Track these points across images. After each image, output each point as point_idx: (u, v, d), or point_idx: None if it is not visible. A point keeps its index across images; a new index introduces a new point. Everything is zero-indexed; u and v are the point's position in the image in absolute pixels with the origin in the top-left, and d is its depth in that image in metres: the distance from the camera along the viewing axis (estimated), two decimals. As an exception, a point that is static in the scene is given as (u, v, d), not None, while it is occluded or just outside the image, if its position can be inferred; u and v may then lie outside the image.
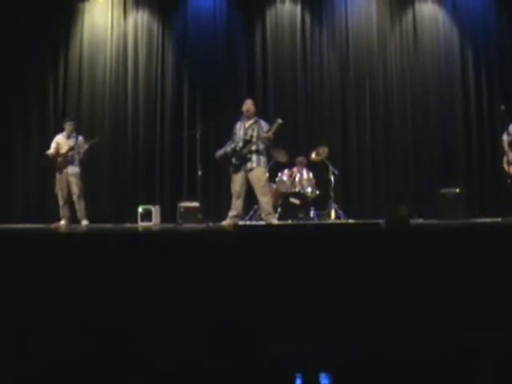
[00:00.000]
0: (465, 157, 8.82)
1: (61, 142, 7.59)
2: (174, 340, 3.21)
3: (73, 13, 9.41)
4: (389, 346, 3.08)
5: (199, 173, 6.93)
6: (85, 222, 7.44)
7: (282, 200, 7.59)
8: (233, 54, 9.24)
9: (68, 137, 7.59)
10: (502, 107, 7.10)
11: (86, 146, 7.53)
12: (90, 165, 8.03)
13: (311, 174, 8.06)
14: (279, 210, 7.44)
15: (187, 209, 7.85)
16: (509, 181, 6.77)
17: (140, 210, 8.18)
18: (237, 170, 6.31)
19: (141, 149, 9.16)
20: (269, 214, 6.29)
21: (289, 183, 7.92)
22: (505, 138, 6.99)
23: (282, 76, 9.17)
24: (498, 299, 3.21)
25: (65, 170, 7.42)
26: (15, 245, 3.73)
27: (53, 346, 3.18)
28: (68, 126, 7.63)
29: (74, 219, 7.49)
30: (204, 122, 8.64)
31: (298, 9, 9.28)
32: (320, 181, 8.12)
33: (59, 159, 7.47)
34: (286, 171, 8.03)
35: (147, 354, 3.07)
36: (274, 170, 7.93)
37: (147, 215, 8.14)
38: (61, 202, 7.49)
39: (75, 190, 7.45)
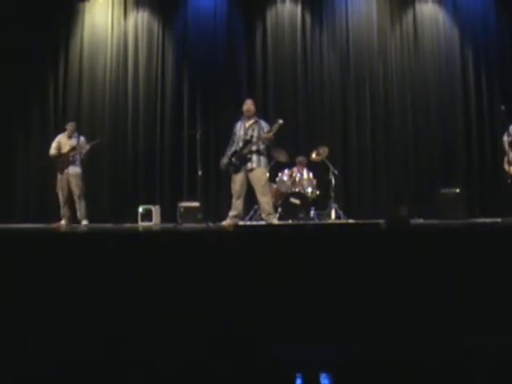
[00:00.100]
0: (465, 157, 8.82)
1: (62, 141, 7.59)
2: (173, 340, 3.20)
3: (73, 13, 9.41)
4: (389, 346, 3.08)
5: (199, 173, 6.93)
6: (85, 222, 7.44)
7: (283, 200, 7.59)
8: (233, 54, 9.24)
9: (69, 137, 7.59)
10: (503, 107, 7.10)
11: (87, 147, 7.53)
12: (90, 165, 8.04)
13: (311, 174, 8.06)
14: (279, 210, 7.44)
15: (187, 209, 7.85)
16: (509, 181, 6.77)
17: (140, 209, 8.18)
18: (237, 170, 6.31)
19: (141, 149, 9.16)
20: (269, 214, 6.29)
21: (289, 183, 7.91)
22: (505, 138, 6.99)
23: (282, 76, 9.17)
24: (498, 299, 3.21)
25: (66, 171, 7.42)
26: (15, 245, 3.73)
27: (53, 345, 3.18)
28: (69, 126, 7.64)
29: (74, 219, 7.49)
30: (204, 122, 8.65)
31: (299, 9, 9.28)
32: (320, 181, 8.12)
33: (60, 159, 7.47)
34: (286, 171, 8.03)
35: (147, 354, 3.07)
36: (274, 170, 7.93)
37: (147, 215, 8.14)
38: (61, 202, 7.49)
39: (76, 190, 7.45)
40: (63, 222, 7.43)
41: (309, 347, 3.15)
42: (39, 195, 8.95)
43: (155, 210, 8.23)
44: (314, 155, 8.10)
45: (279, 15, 9.31)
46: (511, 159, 6.70)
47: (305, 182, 7.93)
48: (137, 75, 9.29)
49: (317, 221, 7.67)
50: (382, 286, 3.32)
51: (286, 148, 7.89)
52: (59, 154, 7.49)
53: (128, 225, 7.63)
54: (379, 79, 9.09)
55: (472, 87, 8.96)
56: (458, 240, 3.51)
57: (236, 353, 3.14)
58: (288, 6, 9.30)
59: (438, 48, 9.07)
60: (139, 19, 9.42)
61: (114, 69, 9.33)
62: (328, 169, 8.06)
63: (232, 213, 6.36)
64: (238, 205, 6.33)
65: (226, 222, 6.45)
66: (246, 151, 6.28)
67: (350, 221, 7.63)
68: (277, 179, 7.99)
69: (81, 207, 7.48)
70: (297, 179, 7.94)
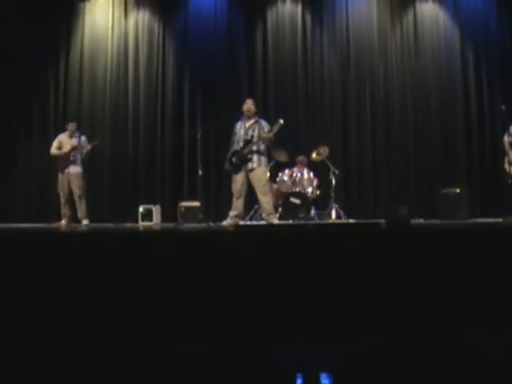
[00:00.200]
0: (465, 157, 8.81)
1: (63, 140, 7.59)
2: (173, 340, 3.20)
3: (73, 12, 9.41)
4: (389, 346, 3.08)
5: (200, 172, 6.94)
6: (85, 222, 7.44)
7: (283, 200, 7.59)
8: (233, 54, 9.24)
9: (71, 136, 7.59)
10: (503, 107, 7.11)
11: (88, 147, 7.53)
12: (90, 164, 8.03)
13: (312, 174, 8.05)
14: (280, 209, 7.44)
15: (188, 208, 7.85)
16: (509, 181, 6.78)
17: (141, 209, 8.18)
18: (238, 169, 6.31)
19: (141, 148, 9.16)
20: (269, 213, 6.29)
21: (289, 183, 7.91)
22: (506, 138, 7.01)
23: (282, 76, 9.16)
24: (498, 299, 3.21)
25: (66, 170, 7.42)
26: (15, 245, 3.72)
27: (53, 345, 3.18)
28: (70, 126, 7.63)
29: (74, 219, 7.49)
30: (204, 122, 8.65)
31: (299, 9, 9.28)
32: (321, 181, 8.11)
33: (61, 159, 7.47)
34: (286, 171, 8.02)
35: (147, 354, 3.07)
36: (274, 169, 7.94)
37: (148, 215, 8.14)
38: (62, 202, 7.49)
39: (76, 189, 7.44)
40: (64, 221, 7.43)
41: (309, 347, 3.14)
42: (39, 195, 8.95)
43: (156, 210, 8.23)
44: (314, 155, 8.10)
45: (280, 15, 9.31)
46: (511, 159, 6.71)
47: (305, 182, 7.93)
48: (137, 75, 9.28)
49: (317, 221, 7.67)
50: (382, 286, 3.32)
51: (286, 148, 7.89)
52: (59, 154, 7.49)
53: (128, 224, 7.64)
54: (379, 79, 9.08)
55: (472, 87, 8.96)
56: (458, 240, 3.51)
57: (236, 353, 3.13)
58: (288, 5, 9.30)
59: (438, 48, 9.06)
60: (140, 19, 9.42)
61: (114, 69, 9.33)
62: (328, 169, 8.06)
63: (232, 212, 6.36)
64: (238, 204, 6.34)
65: (226, 222, 6.46)
66: (246, 151, 6.28)
67: (351, 221, 7.63)
68: (277, 179, 7.99)
69: (81, 207, 7.48)
70: (297, 179, 7.93)
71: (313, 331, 3.24)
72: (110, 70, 9.32)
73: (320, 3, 9.31)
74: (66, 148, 7.50)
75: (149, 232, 5.22)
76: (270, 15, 9.33)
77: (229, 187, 6.61)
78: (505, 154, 7.05)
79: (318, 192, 7.97)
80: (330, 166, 8.04)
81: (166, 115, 9.23)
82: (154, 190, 9.01)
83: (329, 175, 8.05)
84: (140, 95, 9.24)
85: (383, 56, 9.11)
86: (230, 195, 6.53)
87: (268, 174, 6.67)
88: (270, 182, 6.98)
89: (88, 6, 9.46)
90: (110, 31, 9.37)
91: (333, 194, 7.96)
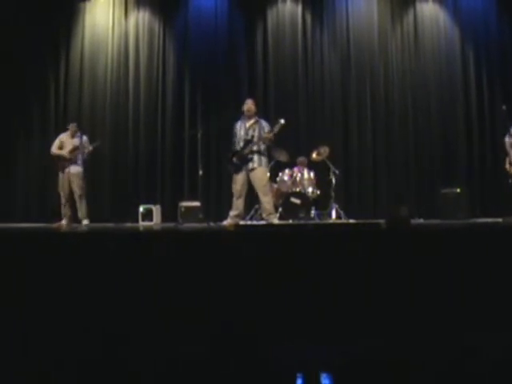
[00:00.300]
0: (466, 157, 8.81)
1: (65, 140, 7.58)
2: (173, 340, 3.20)
3: (74, 12, 9.41)
4: (389, 346, 3.08)
5: (200, 172, 6.94)
6: (86, 222, 7.43)
7: (283, 200, 7.59)
8: (234, 54, 9.24)
9: (72, 136, 7.58)
10: (504, 107, 7.11)
11: (90, 147, 7.52)
12: (91, 164, 8.03)
13: (312, 174, 8.05)
14: (280, 209, 7.44)
15: (188, 208, 7.85)
16: (510, 181, 6.78)
17: (141, 209, 8.19)
18: (238, 169, 6.32)
19: (142, 148, 9.16)
20: (270, 213, 6.29)
21: (290, 183, 7.91)
22: (507, 139, 7.03)
23: (283, 76, 9.17)
24: (498, 299, 3.21)
25: (67, 170, 7.41)
26: (15, 245, 3.72)
27: (53, 345, 3.18)
28: (71, 127, 7.62)
29: (75, 219, 7.48)
30: (205, 122, 8.66)
31: (299, 9, 9.28)
32: (321, 181, 8.11)
33: (61, 158, 7.46)
34: (286, 171, 8.02)
35: (147, 354, 3.07)
36: (275, 169, 7.94)
37: (148, 215, 8.14)
38: (62, 202, 7.49)
39: (77, 189, 7.43)
40: (64, 221, 7.43)
41: (309, 347, 3.14)
42: (39, 195, 8.95)
43: (156, 210, 8.24)
44: (314, 155, 8.10)
45: (280, 15, 9.31)
46: (512, 159, 6.73)
47: (305, 182, 7.93)
48: (138, 75, 9.29)
49: (317, 221, 7.67)
50: (382, 286, 3.32)
51: (286, 148, 7.89)
52: (60, 154, 7.48)
53: (129, 224, 7.65)
54: (380, 79, 9.08)
55: (473, 87, 8.96)
56: (458, 240, 3.51)
57: (236, 353, 3.13)
58: (289, 5, 9.30)
59: (438, 48, 9.06)
60: (140, 19, 9.43)
61: (114, 69, 9.33)
62: (329, 169, 8.06)
63: (233, 212, 6.36)
64: (238, 204, 6.34)
65: (226, 222, 6.46)
66: (246, 151, 6.29)
67: (351, 221, 7.63)
68: (277, 179, 7.99)
69: (82, 207, 7.48)
70: (297, 179, 7.93)
71: (313, 331, 3.23)
72: (111, 69, 9.32)
73: (320, 3, 9.32)
74: (68, 148, 7.49)
75: (149, 232, 5.21)
76: (271, 15, 9.33)
77: (229, 187, 6.62)
78: (506, 154, 7.06)
79: (318, 192, 7.97)
80: (331, 166, 8.04)
81: (167, 115, 9.23)
82: (154, 190, 9.01)
83: (329, 175, 8.05)
84: (140, 95, 9.25)
85: (383, 56, 9.11)
86: (230, 195, 6.53)
87: (268, 174, 6.67)
88: (270, 182, 6.98)
89: (88, 5, 9.47)
90: (110, 31, 9.37)
91: (333, 194, 7.96)
